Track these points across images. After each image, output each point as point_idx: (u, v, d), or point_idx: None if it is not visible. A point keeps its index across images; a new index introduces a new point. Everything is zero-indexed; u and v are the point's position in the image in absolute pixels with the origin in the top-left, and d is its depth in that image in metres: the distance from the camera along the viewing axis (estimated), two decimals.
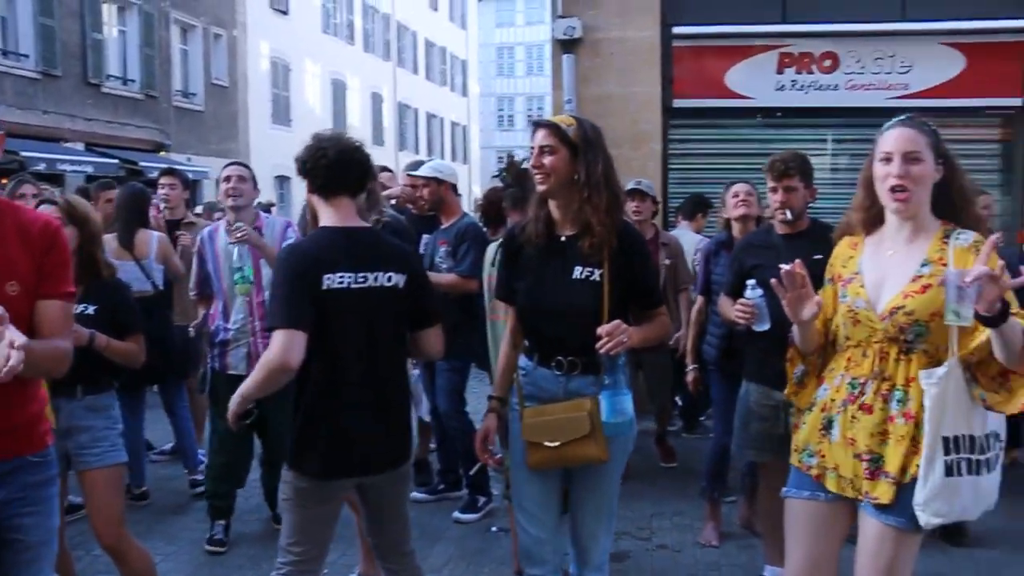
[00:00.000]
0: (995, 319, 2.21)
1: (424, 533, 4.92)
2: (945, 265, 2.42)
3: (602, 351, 2.72)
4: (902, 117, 2.58)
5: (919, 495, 2.39)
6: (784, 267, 2.57)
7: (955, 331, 2.38)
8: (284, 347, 2.73)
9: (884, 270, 2.56)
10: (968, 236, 2.48)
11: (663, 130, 7.96)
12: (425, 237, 5.44)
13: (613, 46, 7.93)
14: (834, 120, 7.98)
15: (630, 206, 5.82)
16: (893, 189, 2.47)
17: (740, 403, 4.00)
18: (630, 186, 6.19)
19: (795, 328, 2.70)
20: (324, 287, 2.82)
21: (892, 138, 2.50)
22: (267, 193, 21.75)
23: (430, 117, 39.24)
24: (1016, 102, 7.83)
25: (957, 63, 7.83)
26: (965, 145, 7.95)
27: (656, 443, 6.52)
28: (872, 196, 2.59)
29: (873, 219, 2.64)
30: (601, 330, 2.72)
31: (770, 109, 7.91)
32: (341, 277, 2.84)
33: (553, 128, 2.90)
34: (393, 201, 5.80)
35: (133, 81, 20.45)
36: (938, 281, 2.35)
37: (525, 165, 4.43)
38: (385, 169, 6.34)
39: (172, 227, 6.10)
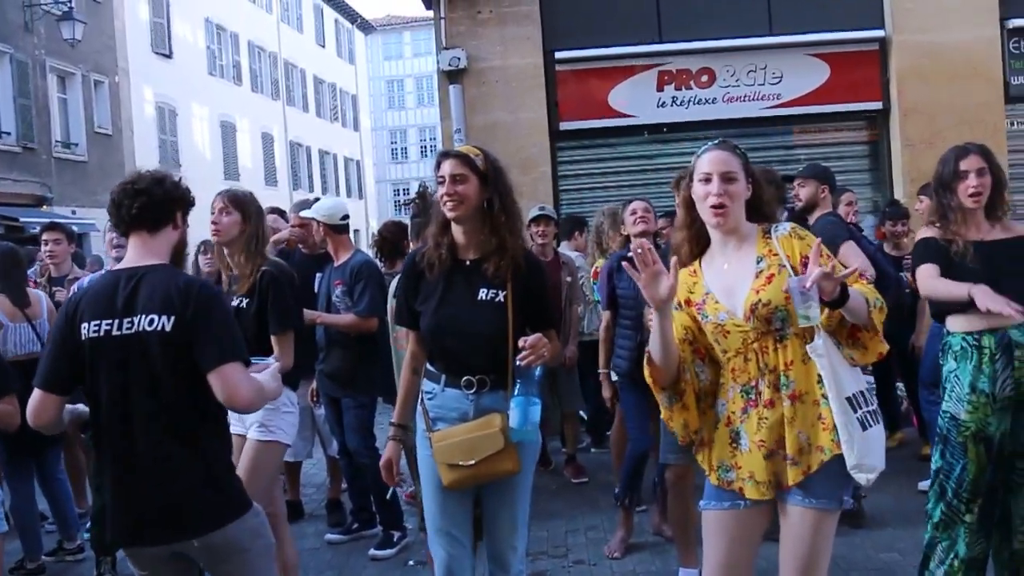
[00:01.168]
0: (838, 302, 2.49)
1: (342, 574, 4.90)
2: (776, 255, 2.65)
3: (524, 363, 2.86)
4: (716, 141, 2.79)
5: (850, 459, 2.53)
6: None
7: None
8: (30, 409, 2.67)
9: (728, 281, 2.72)
10: (785, 227, 2.74)
11: (551, 153, 8.14)
12: (319, 275, 5.43)
13: (497, 74, 8.10)
14: (715, 132, 8.14)
15: (536, 230, 6.23)
16: (713, 206, 2.66)
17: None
18: (535, 212, 6.45)
19: (652, 341, 2.72)
20: (83, 336, 2.61)
21: (709, 160, 2.70)
22: None
23: (323, 154, 38.92)
24: (877, 105, 8.28)
25: (822, 72, 8.26)
26: (836, 148, 8.42)
27: (566, 463, 6.60)
28: (693, 215, 2.77)
29: (696, 236, 2.81)
30: (523, 343, 2.86)
31: (653, 126, 8.15)
32: (98, 324, 2.59)
33: (463, 158, 3.04)
34: (282, 244, 5.77)
35: (8, 133, 19.66)
36: (783, 288, 2.56)
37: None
38: (275, 211, 6.28)
39: (57, 284, 5.93)
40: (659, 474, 4.79)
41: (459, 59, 7.97)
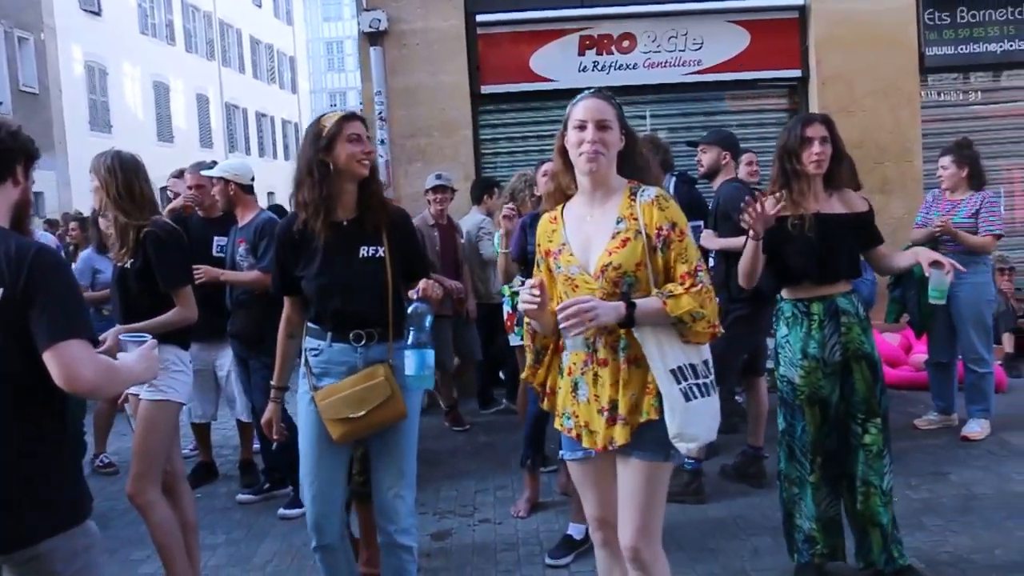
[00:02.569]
0: (625, 323, 2.61)
1: (250, 533, 4.93)
2: (635, 220, 2.67)
3: (420, 295, 3.01)
4: (592, 89, 2.81)
5: (671, 428, 2.62)
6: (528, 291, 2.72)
7: (652, 278, 2.65)
8: None
9: (587, 234, 2.77)
10: (651, 192, 2.72)
11: (473, 117, 8.12)
12: (218, 239, 5.41)
13: (418, 36, 8.03)
14: (636, 98, 8.27)
15: (433, 197, 6.69)
16: (586, 153, 2.68)
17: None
18: (432, 182, 6.67)
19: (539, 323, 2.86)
20: None
21: (585, 108, 2.72)
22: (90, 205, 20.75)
23: (259, 116, 38.27)
24: (797, 73, 8.39)
25: (743, 39, 8.32)
26: (756, 115, 8.51)
27: (446, 413, 7.01)
28: (566, 162, 2.80)
29: (568, 184, 2.85)
30: (415, 292, 3.03)
31: (574, 91, 8.14)
32: None
33: (364, 121, 3.28)
34: (178, 210, 5.71)
35: None
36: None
37: None
38: (182, 174, 6.16)
39: None
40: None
41: (380, 21, 7.88)
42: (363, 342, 3.16)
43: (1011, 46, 8.57)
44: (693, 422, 2.62)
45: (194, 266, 5.01)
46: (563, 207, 2.87)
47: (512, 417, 7.07)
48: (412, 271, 3.27)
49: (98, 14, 26.17)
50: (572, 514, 4.41)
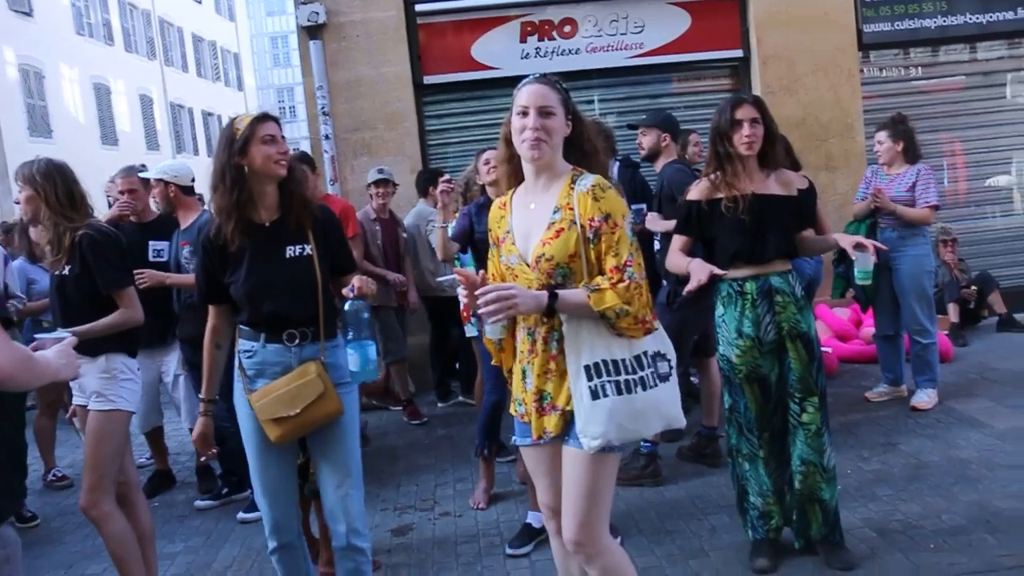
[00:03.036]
0: (548, 312, 2.59)
1: (209, 539, 4.88)
2: (572, 209, 2.64)
3: (355, 294, 2.98)
4: (536, 75, 2.77)
5: (577, 423, 2.60)
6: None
7: (586, 270, 2.62)
8: None
9: (528, 223, 2.75)
10: (588, 181, 2.65)
11: (417, 107, 8.06)
12: (154, 244, 5.34)
13: (358, 28, 7.95)
14: (580, 83, 8.25)
15: (376, 191, 6.83)
16: (528, 140, 2.64)
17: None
18: (375, 176, 6.70)
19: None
20: None
21: (527, 93, 2.67)
22: None
23: (206, 115, 37.69)
24: (738, 53, 8.45)
25: (684, 21, 8.35)
26: (699, 96, 8.54)
27: (404, 406, 7.03)
28: (511, 149, 2.77)
29: (514, 172, 2.83)
30: (348, 290, 3.00)
31: (518, 78, 8.09)
32: None
33: (277, 121, 3.24)
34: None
35: None
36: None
37: None
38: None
39: None
40: None
41: (318, 14, 7.79)
42: (297, 341, 3.15)
43: (946, 21, 8.70)
44: (597, 420, 2.56)
45: (137, 271, 4.97)
46: (513, 193, 2.85)
47: (470, 409, 7.07)
48: (339, 266, 3.28)
49: (29, 15, 25.49)
50: (531, 503, 4.41)
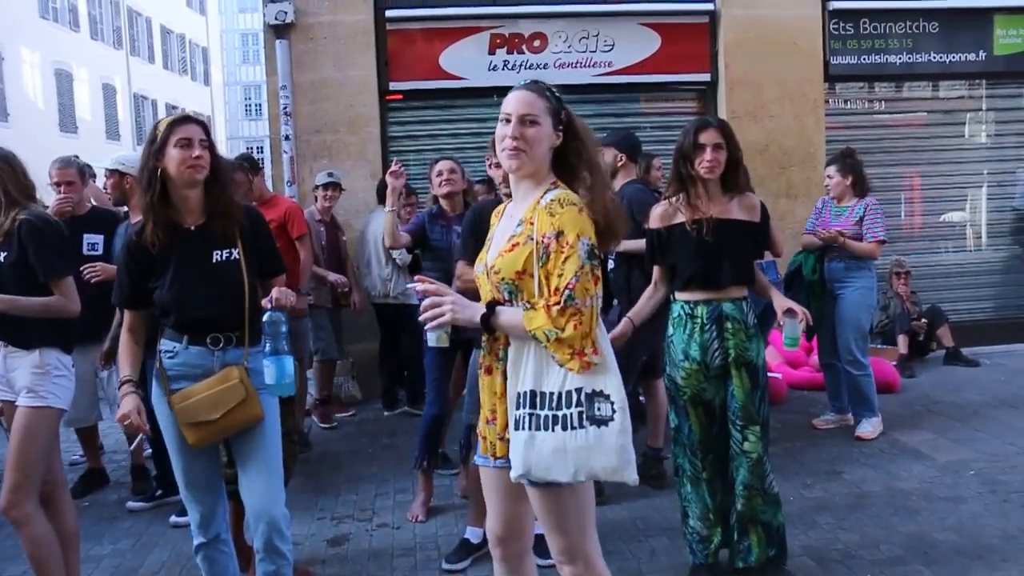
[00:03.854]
0: (487, 329, 2.50)
1: (139, 542, 4.74)
2: (532, 224, 2.50)
3: (273, 303, 2.94)
4: (527, 82, 2.64)
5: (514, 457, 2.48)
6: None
7: (537, 290, 2.47)
8: None
9: (501, 231, 2.66)
10: (550, 194, 2.50)
11: (381, 113, 7.99)
12: (88, 237, 5.22)
13: (326, 30, 7.88)
14: None
15: (323, 194, 6.89)
16: (507, 149, 2.55)
17: (471, 368, 4.14)
18: (323, 179, 6.88)
19: None
20: None
21: (511, 100, 2.57)
22: None
23: (170, 108, 37.06)
24: (706, 77, 8.49)
25: (653, 42, 8.38)
26: (666, 118, 8.57)
27: (316, 406, 7.00)
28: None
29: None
30: (267, 301, 2.95)
31: (484, 89, 8.09)
32: None
33: (204, 125, 3.16)
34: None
35: None
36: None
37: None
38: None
39: None
40: (464, 434, 4.81)
41: (286, 13, 7.70)
42: (220, 345, 3.09)
43: (911, 58, 8.83)
44: (515, 451, 2.45)
45: (89, 264, 4.83)
46: (510, 201, 2.75)
47: (417, 419, 6.97)
48: (267, 269, 3.25)
49: None
50: (471, 518, 4.35)
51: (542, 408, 2.43)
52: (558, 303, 2.37)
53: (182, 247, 3.07)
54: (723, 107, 8.45)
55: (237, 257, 3.10)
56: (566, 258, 2.40)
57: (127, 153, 5.34)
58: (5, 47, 25.42)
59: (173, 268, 3.05)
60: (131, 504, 5.26)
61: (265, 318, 2.94)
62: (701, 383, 3.75)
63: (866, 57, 8.78)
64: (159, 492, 5.30)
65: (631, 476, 2.43)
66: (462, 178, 5.07)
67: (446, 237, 4.86)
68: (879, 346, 8.05)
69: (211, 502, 3.23)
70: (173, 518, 4.95)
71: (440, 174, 4.90)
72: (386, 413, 7.26)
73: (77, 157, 5.59)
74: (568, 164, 2.62)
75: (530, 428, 2.42)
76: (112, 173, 5.03)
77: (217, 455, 3.27)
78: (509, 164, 2.56)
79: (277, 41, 7.80)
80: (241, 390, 3.03)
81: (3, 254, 3.53)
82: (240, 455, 3.17)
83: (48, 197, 6.46)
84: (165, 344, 3.13)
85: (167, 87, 36.85)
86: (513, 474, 2.48)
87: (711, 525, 3.85)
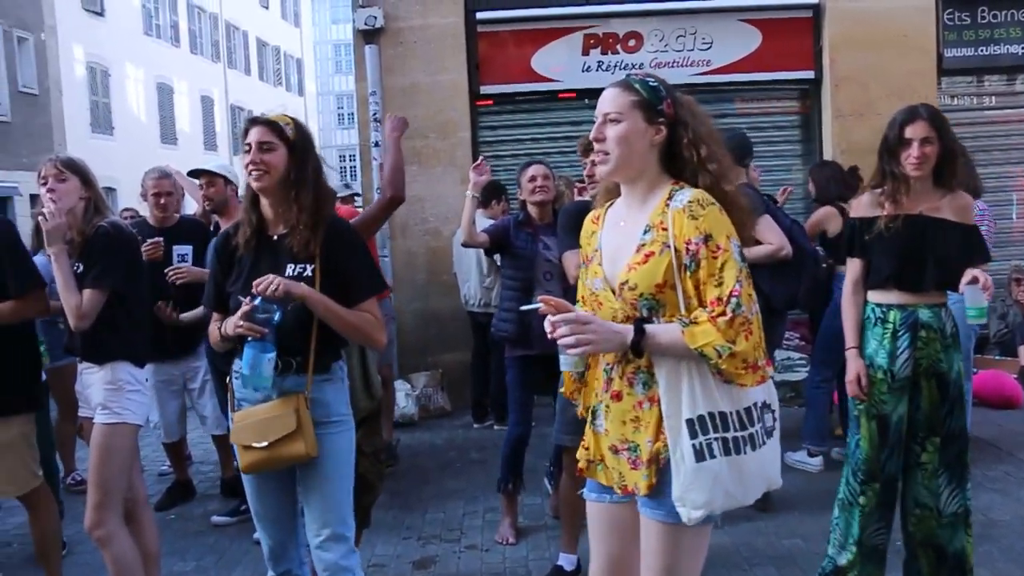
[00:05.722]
0: (635, 351, 2.18)
1: (221, 560, 4.61)
2: (665, 230, 2.22)
3: (258, 289, 2.67)
4: (625, 76, 2.38)
5: (675, 489, 2.17)
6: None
7: (682, 302, 2.20)
8: None
9: (618, 243, 2.36)
10: (684, 196, 2.22)
11: (471, 118, 7.82)
12: (177, 248, 5.15)
13: (416, 34, 7.75)
14: None
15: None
16: (596, 152, 2.31)
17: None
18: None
19: None
20: None
21: (599, 100, 2.34)
22: None
23: None
24: (809, 75, 8.07)
25: (754, 39, 8.01)
26: (767, 117, 8.19)
27: None
28: None
29: (617, 185, 2.45)
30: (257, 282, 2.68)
31: (578, 91, 7.84)
32: None
33: (271, 125, 2.87)
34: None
35: None
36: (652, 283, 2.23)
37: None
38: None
39: None
40: (554, 455, 4.56)
41: (375, 18, 7.60)
42: (279, 371, 2.79)
43: None
44: (701, 486, 2.14)
45: (174, 266, 4.77)
46: (608, 206, 2.47)
47: (498, 432, 6.75)
48: (353, 293, 2.89)
49: (101, 14, 25.94)
50: (563, 542, 4.08)
51: (727, 430, 2.17)
52: (724, 314, 2.11)
53: (261, 256, 2.89)
54: (827, 105, 8.04)
55: (310, 275, 2.83)
56: (722, 264, 2.15)
57: (222, 163, 5.29)
58: (112, 64, 26.32)
59: (245, 276, 2.86)
60: (216, 519, 5.15)
61: (256, 301, 2.68)
62: (882, 393, 3.39)
63: (982, 48, 8.24)
64: (243, 507, 5.17)
65: (780, 478, 2.34)
66: (554, 185, 4.80)
67: (531, 246, 4.55)
68: (997, 357, 7.53)
69: (280, 536, 3.01)
70: (256, 535, 4.80)
71: (533, 179, 4.59)
72: (475, 426, 7.06)
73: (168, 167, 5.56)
74: (681, 160, 2.31)
75: (723, 454, 2.16)
76: (216, 179, 4.93)
77: (290, 488, 2.98)
78: (598, 169, 2.34)
79: (367, 46, 7.71)
80: (292, 422, 2.76)
81: (80, 265, 3.42)
82: (301, 491, 2.95)
83: (143, 208, 6.49)
84: (236, 363, 2.93)
85: (263, 98, 37.62)
86: (694, 514, 2.17)
87: (850, 558, 3.49)
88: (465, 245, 5.02)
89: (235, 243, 2.94)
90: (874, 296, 3.49)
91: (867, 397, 3.41)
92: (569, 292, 2.65)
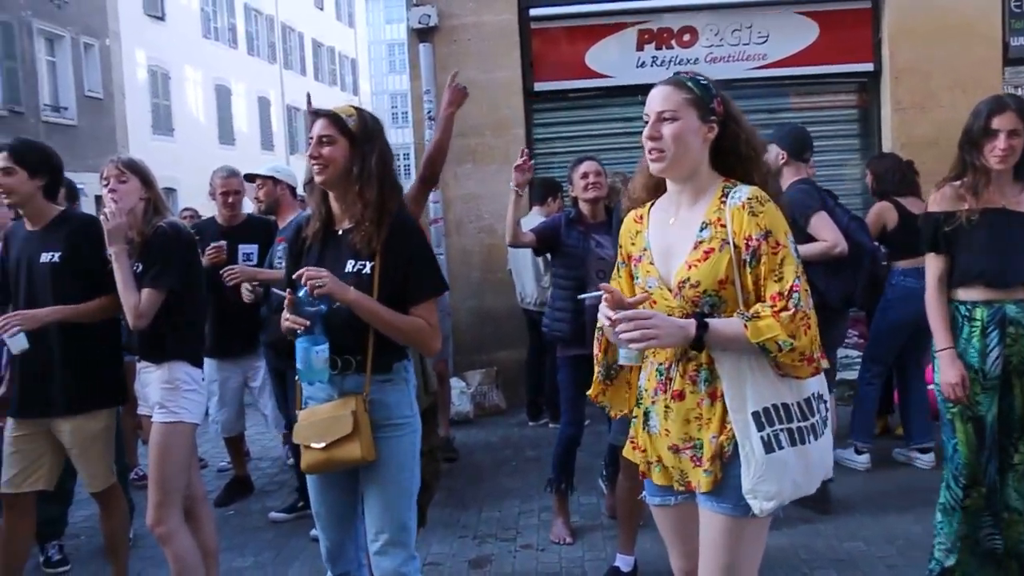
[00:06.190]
0: (695, 345, 2.21)
1: (279, 556, 4.67)
2: (723, 227, 2.25)
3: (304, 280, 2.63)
4: (673, 75, 2.41)
5: (745, 482, 2.20)
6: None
7: (741, 297, 2.24)
8: None
9: (669, 241, 2.37)
10: (743, 193, 2.27)
11: (526, 115, 7.80)
12: (244, 247, 5.23)
13: (470, 32, 7.75)
14: None
15: None
16: (649, 151, 2.31)
17: None
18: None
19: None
20: None
21: (649, 99, 2.34)
22: None
23: None
24: (868, 67, 7.90)
25: (811, 32, 7.85)
26: (825, 111, 8.05)
27: None
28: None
29: (657, 184, 2.46)
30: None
31: (632, 87, 7.78)
32: None
33: (332, 118, 2.82)
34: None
35: None
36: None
37: None
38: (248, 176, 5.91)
39: None
40: (607, 454, 4.53)
41: (429, 16, 7.62)
42: (338, 369, 2.77)
43: None
44: (771, 477, 2.18)
45: (227, 267, 4.85)
46: (651, 205, 2.48)
47: (553, 430, 6.73)
48: (411, 294, 2.81)
49: (161, 19, 26.50)
50: (620, 543, 4.06)
51: (791, 421, 2.22)
52: (786, 308, 2.15)
53: (325, 250, 2.86)
54: (887, 98, 7.85)
55: (369, 272, 2.76)
56: (782, 260, 2.20)
57: (279, 164, 5.37)
58: (172, 67, 26.86)
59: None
60: (273, 515, 5.22)
61: (299, 294, 2.65)
62: (976, 394, 3.31)
63: None
64: (300, 503, 5.23)
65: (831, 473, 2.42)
66: (607, 182, 4.74)
67: (583, 244, 4.47)
68: None
69: (337, 537, 2.97)
70: (313, 532, 4.85)
71: (586, 176, 4.53)
72: (530, 424, 7.05)
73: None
74: (731, 157, 2.36)
75: (790, 444, 2.21)
76: (266, 181, 5.02)
77: (352, 489, 2.92)
78: (652, 167, 2.33)
79: (421, 45, 7.73)
80: (348, 424, 2.70)
81: (140, 266, 3.48)
82: (365, 490, 2.89)
83: (208, 208, 6.60)
84: None
85: (318, 98, 37.83)
86: (766, 505, 2.20)
87: (957, 560, 3.41)
88: (511, 245, 4.97)
89: (305, 235, 2.93)
90: (959, 293, 3.39)
91: (967, 400, 3.32)
92: None
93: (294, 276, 2.68)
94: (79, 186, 20.46)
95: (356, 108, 2.90)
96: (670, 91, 2.31)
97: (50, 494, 4.10)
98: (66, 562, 4.58)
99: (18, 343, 3.45)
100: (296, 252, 2.96)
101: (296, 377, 2.81)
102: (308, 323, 2.64)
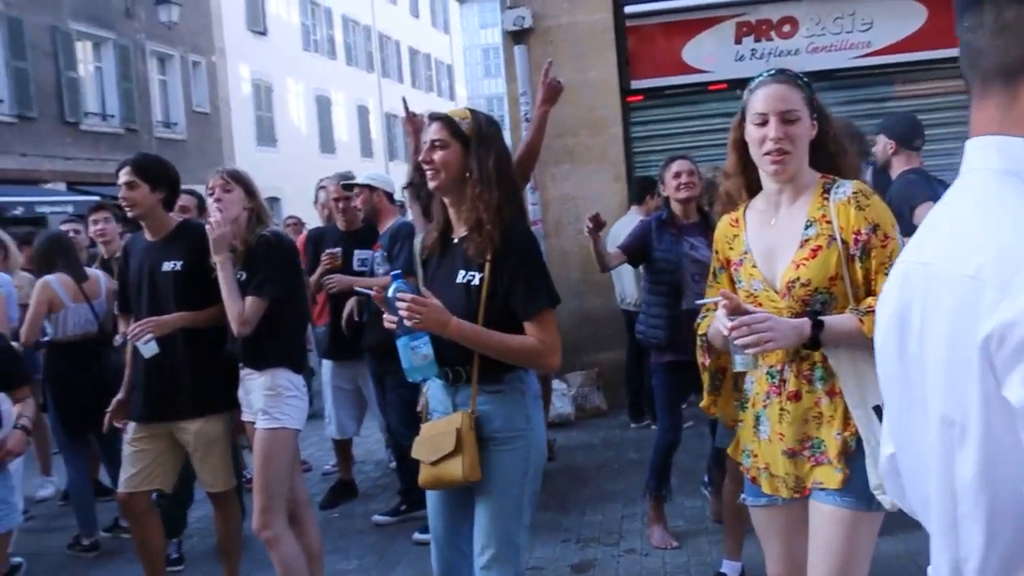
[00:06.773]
0: (811, 344, 2.19)
1: (383, 559, 4.71)
2: (828, 223, 2.21)
3: (404, 313, 2.49)
4: (772, 71, 2.33)
5: (872, 477, 2.17)
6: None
7: (851, 292, 2.20)
8: None
9: (771, 243, 2.32)
10: (847, 188, 2.24)
11: (623, 114, 7.72)
12: (360, 252, 5.29)
13: (565, 32, 7.71)
14: None
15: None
16: (771, 152, 2.22)
17: None
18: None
19: (716, 334, 2.39)
20: None
21: (765, 97, 2.25)
22: None
23: None
24: None
25: (918, 16, 7.56)
26: (933, 99, 7.70)
27: None
28: (746, 160, 2.36)
29: (750, 184, 2.41)
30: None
31: (731, 82, 7.61)
32: None
33: (446, 121, 2.69)
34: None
35: (112, 116, 20.26)
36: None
37: None
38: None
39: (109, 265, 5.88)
40: (712, 458, 4.42)
41: (524, 18, 7.61)
42: (450, 382, 2.67)
43: None
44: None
45: (329, 276, 4.96)
46: (746, 207, 2.43)
47: (652, 432, 6.63)
48: (518, 305, 2.61)
49: (264, 34, 27.24)
50: (725, 548, 3.95)
51: None
52: None
53: (440, 259, 2.78)
54: None
55: (477, 284, 2.61)
56: (891, 252, 2.17)
57: (376, 172, 5.45)
58: (274, 80, 27.62)
59: (428, 278, 2.80)
60: (377, 518, 5.27)
61: (389, 292, 2.54)
62: None
63: None
64: (403, 507, 5.27)
65: None
66: (699, 181, 4.59)
67: (675, 247, 4.35)
68: None
69: (447, 557, 2.80)
70: (416, 535, 4.88)
71: (678, 176, 4.38)
72: (632, 425, 6.96)
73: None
74: (827, 154, 2.34)
75: None
76: (363, 189, 5.09)
77: (464, 511, 2.76)
78: (774, 168, 2.25)
79: (516, 47, 7.73)
80: (451, 440, 2.56)
81: (244, 275, 3.55)
82: (476, 505, 2.74)
83: (311, 217, 6.71)
84: None
85: (415, 104, 38.17)
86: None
87: None
88: (604, 270, 4.88)
89: (424, 245, 2.88)
90: None
91: None
92: None
93: (398, 296, 2.51)
94: None
95: (471, 111, 2.78)
96: (788, 90, 2.26)
97: (172, 495, 4.26)
98: (182, 561, 4.72)
99: (150, 348, 3.61)
100: (413, 260, 2.93)
101: (410, 380, 2.72)
102: (395, 317, 2.54)
